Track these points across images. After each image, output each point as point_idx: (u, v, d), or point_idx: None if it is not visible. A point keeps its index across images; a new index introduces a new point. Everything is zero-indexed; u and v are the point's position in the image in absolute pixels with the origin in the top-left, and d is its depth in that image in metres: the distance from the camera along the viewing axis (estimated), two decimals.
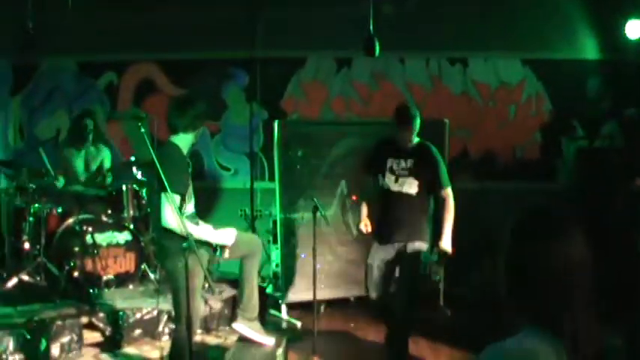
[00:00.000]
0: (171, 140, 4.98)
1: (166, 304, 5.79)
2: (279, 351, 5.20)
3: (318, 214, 6.08)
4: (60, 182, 7.52)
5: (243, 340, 5.45)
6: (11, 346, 5.89)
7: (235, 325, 5.44)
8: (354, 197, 7.35)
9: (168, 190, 4.45)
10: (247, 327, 5.43)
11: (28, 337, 5.99)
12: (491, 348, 2.13)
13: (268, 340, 5.47)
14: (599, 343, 2.13)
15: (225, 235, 5.09)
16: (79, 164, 7.66)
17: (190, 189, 4.97)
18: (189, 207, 4.99)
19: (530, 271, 2.14)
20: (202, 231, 4.85)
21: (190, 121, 4.91)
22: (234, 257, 5.48)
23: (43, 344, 6.03)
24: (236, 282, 5.81)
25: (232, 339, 5.89)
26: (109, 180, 7.73)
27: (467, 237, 7.84)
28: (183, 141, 4.96)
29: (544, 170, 9.02)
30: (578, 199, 8.00)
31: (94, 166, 7.71)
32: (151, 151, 4.54)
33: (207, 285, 4.81)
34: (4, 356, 5.84)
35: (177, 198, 4.62)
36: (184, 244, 4.41)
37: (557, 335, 2.07)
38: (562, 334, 2.07)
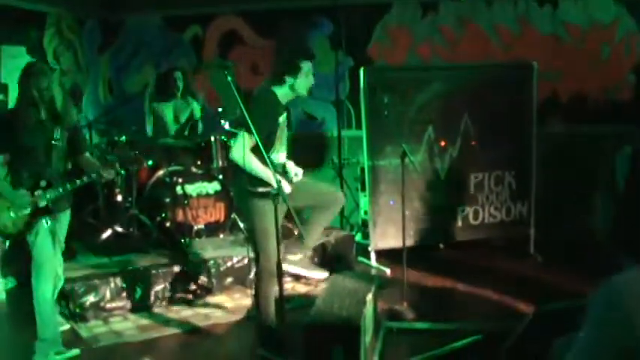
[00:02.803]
0: (269, 87, 5.02)
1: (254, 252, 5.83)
2: (369, 297, 5.18)
3: (407, 160, 6.01)
4: (151, 135, 7.64)
5: (332, 287, 5.46)
6: (108, 294, 6.07)
7: (287, 256, 5.41)
8: (442, 142, 7.27)
9: (245, 129, 4.53)
10: (294, 266, 5.45)
11: (124, 285, 6.16)
12: (609, 282, 2.06)
13: (320, 275, 5.49)
14: None
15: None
16: (168, 116, 7.75)
17: (282, 138, 4.99)
18: (280, 156, 5.01)
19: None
20: (260, 171, 4.83)
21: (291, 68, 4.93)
22: (308, 204, 5.48)
23: (138, 292, 6.19)
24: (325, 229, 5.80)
25: (322, 286, 5.91)
26: (199, 131, 7.81)
27: (557, 181, 7.72)
28: (282, 90, 4.97)
29: (637, 112, 8.72)
30: None
31: (183, 118, 7.79)
32: (238, 98, 4.53)
33: (296, 232, 4.84)
34: (101, 304, 6.02)
35: (252, 139, 4.63)
36: (273, 190, 4.43)
37: None
38: None
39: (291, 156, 5.28)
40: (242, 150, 4.72)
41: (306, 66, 5.00)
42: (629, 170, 1.82)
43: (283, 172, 5.09)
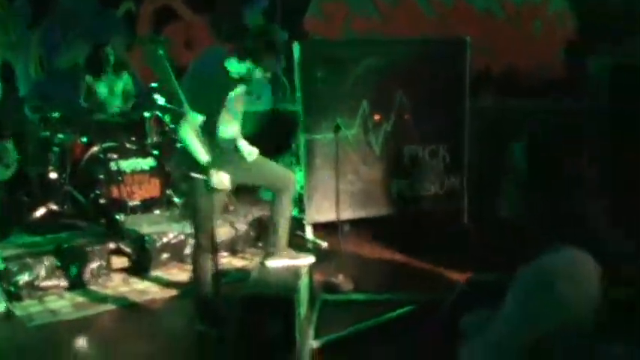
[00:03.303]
0: (222, 60, 4.83)
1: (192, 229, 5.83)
2: (304, 270, 5.24)
3: (340, 133, 6.06)
4: (85, 111, 7.56)
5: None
6: (42, 273, 6.01)
7: (269, 263, 5.42)
8: (377, 117, 7.32)
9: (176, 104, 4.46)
10: (280, 259, 5.43)
11: (58, 264, 6.11)
12: (536, 262, 2.14)
13: (305, 260, 5.50)
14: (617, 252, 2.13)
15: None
16: (102, 92, 7.67)
17: (234, 113, 4.94)
18: (229, 129, 4.95)
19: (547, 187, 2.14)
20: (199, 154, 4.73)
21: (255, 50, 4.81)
22: (260, 184, 5.52)
23: (73, 271, 6.14)
24: (261, 204, 5.84)
25: (258, 260, 5.94)
26: (132, 106, 7.74)
27: (490, 155, 7.84)
28: (237, 67, 4.77)
29: (569, 88, 8.88)
30: (605, 117, 7.87)
31: (118, 90, 7.71)
32: (170, 73, 4.52)
33: (231, 207, 4.86)
34: (36, 283, 5.96)
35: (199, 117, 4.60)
36: (204, 162, 4.45)
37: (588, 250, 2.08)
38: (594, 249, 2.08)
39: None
40: (186, 128, 4.65)
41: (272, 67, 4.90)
42: (528, 157, 1.87)
43: (235, 149, 5.09)
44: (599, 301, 2.04)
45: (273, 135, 8.19)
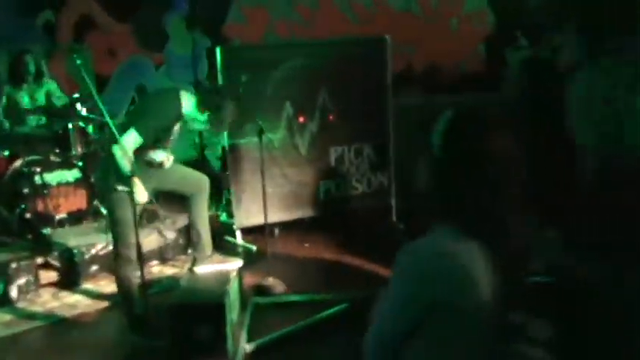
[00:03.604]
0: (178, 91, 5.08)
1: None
2: (234, 274, 5.26)
3: (264, 136, 6.10)
4: (6, 124, 7.41)
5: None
6: None
7: (197, 269, 5.49)
8: (301, 118, 7.37)
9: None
10: (207, 265, 5.50)
11: None
12: (413, 245, 2.19)
13: (233, 265, 5.54)
14: (524, 242, 2.20)
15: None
16: (23, 102, 7.51)
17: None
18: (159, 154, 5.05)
19: (457, 169, 2.19)
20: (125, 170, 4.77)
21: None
22: (174, 189, 5.58)
23: (0, 288, 6.03)
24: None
25: (187, 267, 5.96)
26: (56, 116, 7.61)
27: (415, 151, 7.95)
28: (192, 111, 5.04)
29: (489, 82, 9.07)
30: (522, 109, 8.06)
31: (40, 100, 7.55)
32: (88, 82, 4.50)
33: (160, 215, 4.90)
34: None
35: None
36: (126, 172, 4.45)
37: (479, 236, 2.14)
38: (485, 234, 2.14)
39: None
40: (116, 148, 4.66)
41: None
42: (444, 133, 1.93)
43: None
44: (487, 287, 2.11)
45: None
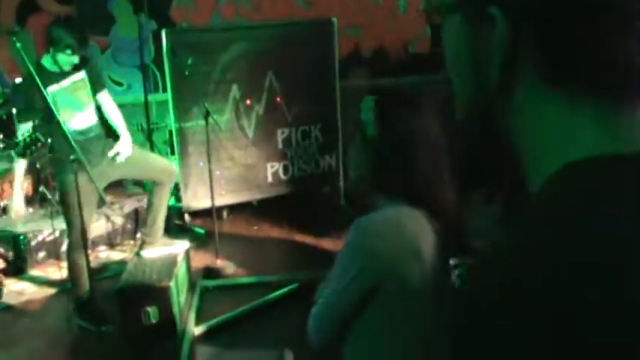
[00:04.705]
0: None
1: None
2: (180, 256, 5.26)
3: (210, 119, 6.10)
4: None
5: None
6: None
7: (145, 253, 5.47)
8: (248, 101, 7.36)
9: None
10: (155, 248, 5.49)
11: None
12: (357, 222, 2.23)
13: (180, 247, 5.54)
14: (457, 212, 2.24)
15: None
16: None
17: (67, 104, 4.92)
18: (74, 122, 4.95)
19: (388, 147, 2.23)
20: None
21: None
22: (140, 177, 5.58)
23: None
24: (135, 196, 5.86)
25: (134, 251, 5.94)
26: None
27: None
28: (48, 61, 4.94)
29: (436, 63, 9.11)
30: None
31: None
32: (28, 66, 4.45)
33: (105, 200, 4.87)
34: None
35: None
36: (72, 157, 4.41)
37: (415, 204, 2.19)
38: (420, 203, 2.18)
39: None
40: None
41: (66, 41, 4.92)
42: (375, 115, 1.92)
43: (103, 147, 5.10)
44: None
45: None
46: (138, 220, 6.99)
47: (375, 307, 2.18)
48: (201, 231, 7.09)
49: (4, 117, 7.08)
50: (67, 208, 4.93)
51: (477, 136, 0.98)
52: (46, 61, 4.90)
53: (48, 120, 4.60)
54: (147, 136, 7.97)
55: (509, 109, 0.86)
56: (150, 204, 5.59)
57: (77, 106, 4.96)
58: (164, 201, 5.58)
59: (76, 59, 4.86)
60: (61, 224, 6.13)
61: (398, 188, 2.21)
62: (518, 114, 0.86)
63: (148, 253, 5.43)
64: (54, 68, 4.89)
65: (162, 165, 5.62)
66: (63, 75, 4.91)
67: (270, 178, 7.58)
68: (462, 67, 0.94)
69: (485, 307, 0.74)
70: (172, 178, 5.63)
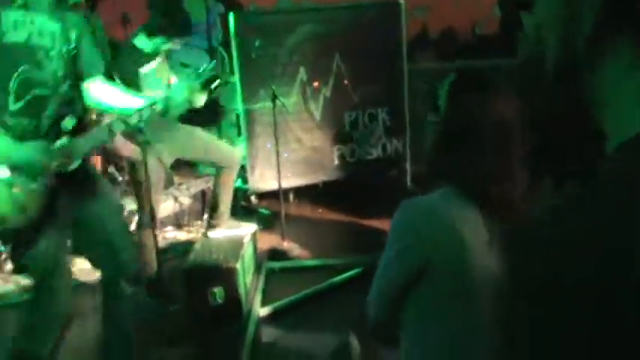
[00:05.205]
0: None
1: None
2: (247, 238, 5.28)
3: (278, 101, 6.11)
4: None
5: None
6: None
7: (211, 234, 5.54)
8: (315, 83, 7.34)
9: None
10: (222, 230, 5.54)
11: (2, 248, 6.04)
12: (403, 202, 2.23)
13: (247, 229, 5.57)
14: (525, 206, 2.20)
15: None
16: None
17: (155, 85, 5.00)
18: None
19: (457, 131, 2.20)
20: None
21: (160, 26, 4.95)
22: (208, 162, 5.64)
23: (19, 254, 6.06)
24: (203, 177, 5.91)
25: (201, 233, 5.99)
26: None
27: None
28: (144, 43, 5.01)
29: (505, 46, 8.96)
30: (537, 73, 7.97)
31: None
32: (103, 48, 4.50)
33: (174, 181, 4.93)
34: None
35: None
36: (140, 138, 4.45)
37: (476, 197, 2.15)
38: (482, 195, 2.15)
39: None
40: None
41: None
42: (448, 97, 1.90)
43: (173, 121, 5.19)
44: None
45: (214, 107, 8.16)
46: (205, 201, 7.04)
47: (422, 289, 2.18)
48: (267, 213, 7.12)
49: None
50: (137, 189, 5.01)
51: (562, 101, 0.97)
52: (139, 41, 4.98)
53: None
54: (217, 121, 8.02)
55: (597, 75, 0.85)
56: (215, 189, 5.64)
57: (159, 87, 5.02)
58: (229, 187, 5.62)
59: (165, 41, 4.95)
60: (130, 205, 6.23)
61: (456, 175, 2.18)
62: (605, 80, 0.84)
63: (215, 234, 5.48)
64: (147, 48, 4.97)
65: (228, 149, 5.68)
66: (151, 56, 5.00)
67: (336, 161, 7.56)
68: (555, 27, 0.94)
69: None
70: (237, 164, 5.68)
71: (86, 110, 3.60)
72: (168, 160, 5.20)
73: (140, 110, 3.75)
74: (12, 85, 3.00)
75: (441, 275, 2.14)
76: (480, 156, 2.14)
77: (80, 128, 3.39)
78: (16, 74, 3.02)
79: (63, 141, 3.29)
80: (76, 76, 3.46)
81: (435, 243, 2.12)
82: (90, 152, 3.49)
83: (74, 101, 3.48)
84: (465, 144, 2.16)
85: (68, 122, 3.28)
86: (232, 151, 5.74)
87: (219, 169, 5.56)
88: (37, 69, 3.13)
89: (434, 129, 2.28)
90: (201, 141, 5.45)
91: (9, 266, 6.02)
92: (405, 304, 2.25)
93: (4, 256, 6.04)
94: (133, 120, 3.68)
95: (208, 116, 7.82)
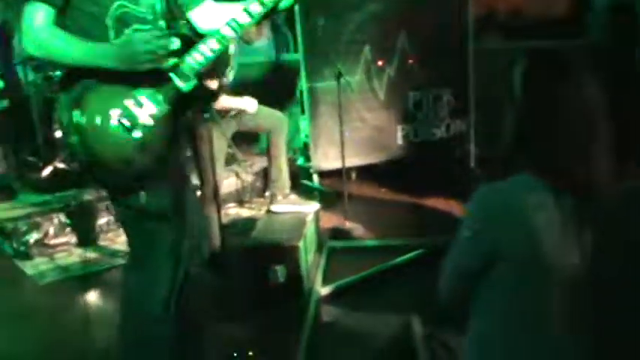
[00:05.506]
0: None
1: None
2: (310, 217, 5.27)
3: (342, 80, 6.07)
4: None
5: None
6: (52, 231, 6.05)
7: (274, 208, 5.54)
8: (380, 62, 7.28)
9: None
10: (285, 205, 5.54)
11: (68, 221, 6.14)
12: (478, 189, 2.19)
13: (311, 207, 5.56)
14: (610, 190, 2.13)
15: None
16: None
17: None
18: None
19: (538, 114, 2.14)
20: None
21: None
22: (256, 129, 5.62)
23: (82, 227, 6.17)
24: (265, 155, 5.91)
25: (264, 208, 5.99)
26: None
27: (496, 97, 7.78)
28: None
29: (574, 26, 8.75)
30: (607, 55, 7.78)
31: None
32: None
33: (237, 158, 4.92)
34: (45, 241, 6.01)
35: None
36: (205, 114, 4.45)
37: (561, 183, 2.09)
38: (564, 181, 2.08)
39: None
40: None
41: None
42: (523, 79, 1.83)
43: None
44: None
45: (276, 84, 8.17)
46: (267, 178, 7.05)
47: (495, 274, 2.15)
48: (330, 191, 7.10)
49: None
50: (201, 163, 5.01)
51: None
52: None
53: None
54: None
55: None
56: (269, 156, 5.63)
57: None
58: (282, 150, 5.61)
59: None
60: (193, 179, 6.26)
61: (538, 160, 2.12)
62: None
63: (278, 208, 5.48)
64: None
65: (272, 112, 5.66)
66: None
67: (400, 141, 7.49)
68: None
69: None
70: (285, 126, 5.66)
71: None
72: (228, 133, 5.21)
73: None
74: (109, 20, 2.86)
75: (513, 261, 2.10)
76: (565, 140, 2.07)
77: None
78: (113, 8, 2.82)
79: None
80: (172, 13, 3.24)
81: (508, 230, 2.07)
82: (206, 63, 3.12)
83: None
84: (548, 129, 2.09)
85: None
86: (279, 114, 5.71)
87: (269, 136, 5.56)
88: (133, 3, 2.91)
89: (511, 112, 2.21)
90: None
91: (74, 239, 6.11)
92: (476, 288, 2.22)
93: (68, 229, 6.14)
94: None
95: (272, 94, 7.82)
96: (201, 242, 3.63)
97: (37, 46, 2.76)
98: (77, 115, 2.73)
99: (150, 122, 2.80)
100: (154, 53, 2.72)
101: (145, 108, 2.80)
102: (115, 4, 2.82)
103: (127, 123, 2.76)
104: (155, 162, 2.87)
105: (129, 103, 2.78)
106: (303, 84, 7.18)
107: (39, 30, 2.75)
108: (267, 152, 5.66)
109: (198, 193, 5.33)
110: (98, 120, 2.73)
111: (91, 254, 5.92)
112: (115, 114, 2.76)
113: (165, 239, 3.06)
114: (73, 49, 2.76)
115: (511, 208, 2.09)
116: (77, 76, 2.79)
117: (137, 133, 2.77)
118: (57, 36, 2.76)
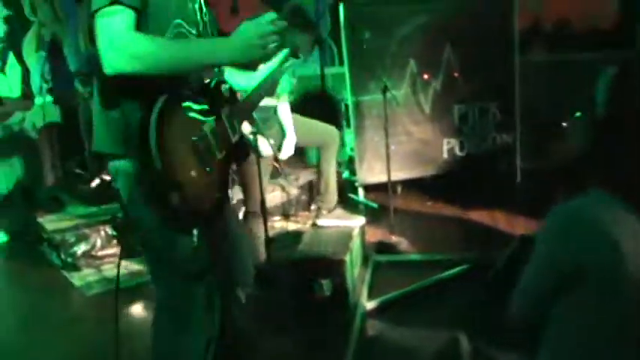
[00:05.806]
0: None
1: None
2: (356, 231, 5.25)
3: (388, 94, 6.06)
4: None
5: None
6: (99, 242, 6.12)
7: (320, 222, 5.55)
8: (425, 76, 7.26)
9: None
10: (330, 219, 5.54)
11: (114, 233, 6.20)
12: (554, 208, 2.15)
13: (356, 222, 5.55)
14: None
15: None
16: None
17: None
18: None
19: (618, 129, 2.11)
20: None
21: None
22: (308, 144, 5.63)
23: (129, 239, 6.21)
24: (310, 168, 5.93)
25: (310, 222, 5.99)
26: None
27: (543, 110, 7.71)
28: None
29: (623, 38, 8.65)
30: None
31: None
32: None
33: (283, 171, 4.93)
34: (93, 252, 6.07)
35: None
36: (252, 129, 4.46)
37: (630, 200, 2.06)
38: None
39: None
40: None
41: None
42: (610, 91, 1.79)
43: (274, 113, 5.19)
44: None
45: (321, 98, 8.17)
46: (312, 192, 7.06)
47: (572, 293, 2.10)
48: (375, 205, 7.08)
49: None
50: (247, 179, 5.02)
51: None
52: None
53: None
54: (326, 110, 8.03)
55: None
56: (319, 170, 5.64)
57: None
58: (332, 165, 5.62)
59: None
60: (237, 193, 6.29)
61: (614, 177, 2.08)
62: None
63: (324, 222, 5.48)
64: None
65: (324, 127, 5.66)
66: None
67: (445, 154, 7.46)
68: None
69: None
70: (336, 140, 5.67)
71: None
72: (275, 146, 5.21)
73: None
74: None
75: (597, 277, 2.05)
76: None
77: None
78: (171, 27, 2.64)
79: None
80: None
81: (587, 248, 2.04)
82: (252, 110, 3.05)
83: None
84: (628, 141, 2.06)
85: (224, 89, 2.86)
86: (331, 128, 5.70)
87: (320, 149, 5.57)
88: (190, 25, 2.74)
89: (585, 126, 2.19)
90: (300, 122, 5.43)
91: (120, 252, 6.16)
92: (550, 306, 2.19)
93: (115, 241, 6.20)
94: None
95: (318, 107, 7.84)
96: (246, 264, 3.53)
97: (132, 58, 2.41)
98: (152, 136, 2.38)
99: (222, 154, 2.69)
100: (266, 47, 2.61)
101: (221, 137, 2.69)
102: (174, 22, 2.67)
103: (203, 150, 2.56)
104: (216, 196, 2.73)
105: (207, 128, 2.62)
106: (348, 97, 7.18)
107: (133, 39, 2.44)
108: (317, 166, 5.67)
109: (242, 208, 5.36)
110: (176, 145, 2.46)
111: (137, 266, 5.96)
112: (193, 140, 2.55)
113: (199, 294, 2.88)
114: (184, 49, 2.55)
115: (592, 224, 2.05)
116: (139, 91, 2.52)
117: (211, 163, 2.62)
118: (154, 40, 2.48)
